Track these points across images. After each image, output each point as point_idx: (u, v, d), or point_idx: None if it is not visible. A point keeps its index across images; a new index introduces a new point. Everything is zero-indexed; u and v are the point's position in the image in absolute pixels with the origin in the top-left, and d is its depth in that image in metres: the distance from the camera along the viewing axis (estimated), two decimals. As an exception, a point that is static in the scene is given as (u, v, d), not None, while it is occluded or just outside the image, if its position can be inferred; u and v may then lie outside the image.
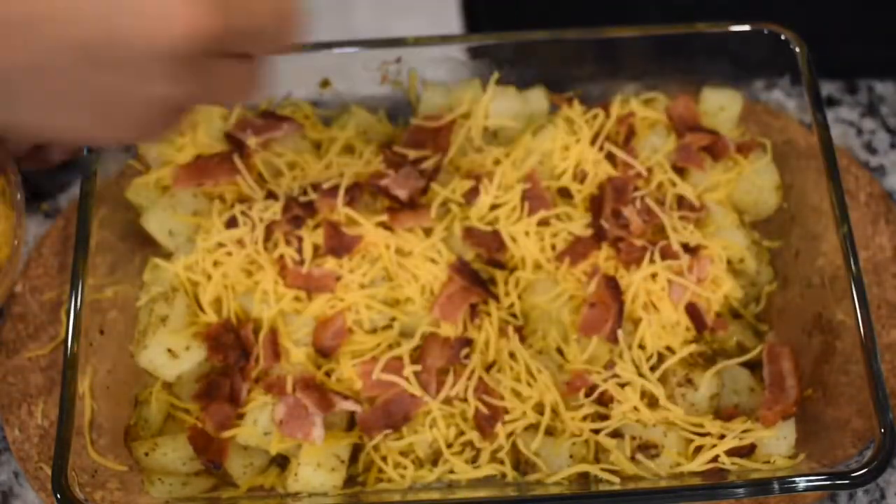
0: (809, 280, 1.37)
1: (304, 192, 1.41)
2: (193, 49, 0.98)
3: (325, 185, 1.40)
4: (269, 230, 1.38)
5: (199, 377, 1.34)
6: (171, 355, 1.32)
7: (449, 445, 1.30)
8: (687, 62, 1.48)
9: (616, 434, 1.29)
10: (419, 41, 1.47)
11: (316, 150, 1.48)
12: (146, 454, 1.29)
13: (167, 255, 1.41)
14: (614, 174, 1.42)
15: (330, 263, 1.37)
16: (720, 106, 1.48)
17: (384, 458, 1.30)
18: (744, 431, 1.26)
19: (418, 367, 1.31)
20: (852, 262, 1.28)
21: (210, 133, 1.46)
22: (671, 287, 1.35)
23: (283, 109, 1.50)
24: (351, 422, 1.33)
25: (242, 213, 1.40)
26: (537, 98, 1.49)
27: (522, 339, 1.34)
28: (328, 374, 1.34)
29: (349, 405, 1.30)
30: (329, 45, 1.47)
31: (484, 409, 1.30)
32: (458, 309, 1.34)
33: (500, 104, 1.47)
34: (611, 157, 1.43)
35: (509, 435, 1.29)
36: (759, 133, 1.48)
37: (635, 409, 1.28)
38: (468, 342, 1.33)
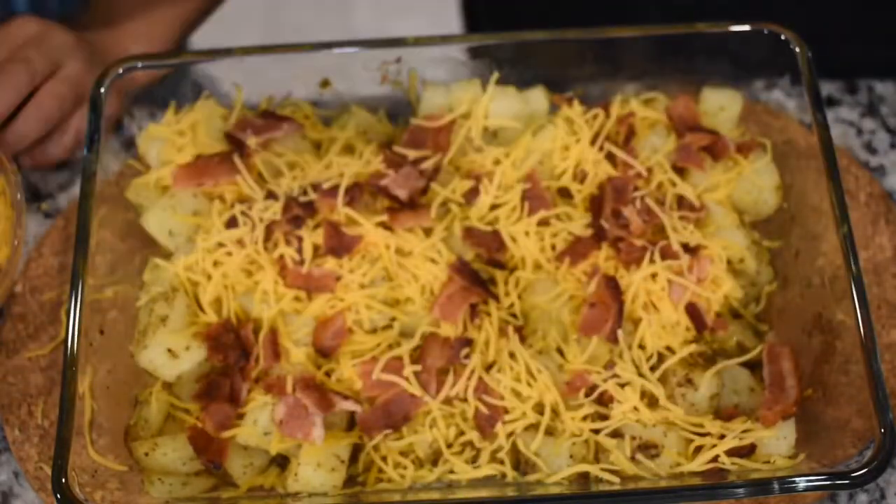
0: (809, 280, 1.37)
1: (304, 192, 1.41)
2: None
3: (325, 185, 1.40)
4: (269, 230, 1.38)
5: (199, 377, 1.34)
6: (171, 355, 1.32)
7: (449, 445, 1.30)
8: (687, 62, 1.48)
9: (616, 434, 1.29)
10: (419, 41, 1.47)
11: (316, 150, 1.48)
12: (146, 454, 1.29)
13: (167, 255, 1.41)
14: (614, 174, 1.42)
15: (330, 263, 1.37)
16: (720, 106, 1.48)
17: (384, 458, 1.30)
18: (744, 431, 1.26)
19: (418, 367, 1.31)
20: (852, 262, 1.28)
21: (210, 133, 1.46)
22: (671, 287, 1.35)
23: (283, 109, 1.50)
24: (351, 422, 1.33)
25: (242, 213, 1.40)
26: (537, 98, 1.49)
27: (522, 339, 1.34)
28: (328, 374, 1.34)
29: (349, 405, 1.30)
30: (329, 45, 1.47)
31: (484, 409, 1.30)
32: (458, 309, 1.34)
33: (500, 104, 1.47)
34: (611, 157, 1.43)
35: (509, 435, 1.29)
36: (759, 133, 1.48)
37: (635, 409, 1.28)
38: (468, 342, 1.33)
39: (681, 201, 1.41)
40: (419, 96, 1.50)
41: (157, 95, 1.49)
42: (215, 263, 1.37)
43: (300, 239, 1.38)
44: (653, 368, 1.32)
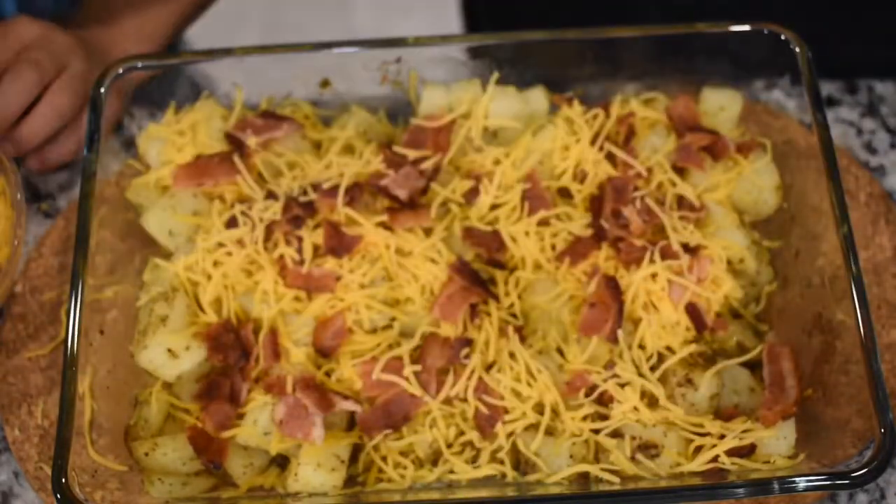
0: (809, 280, 1.37)
1: (304, 192, 1.41)
2: None
3: (325, 185, 1.40)
4: (269, 230, 1.38)
5: (199, 377, 1.34)
6: (171, 355, 1.32)
7: (449, 445, 1.30)
8: (687, 62, 1.48)
9: (616, 434, 1.29)
10: (419, 41, 1.47)
11: (316, 150, 1.48)
12: (146, 454, 1.29)
13: (167, 255, 1.41)
14: (614, 174, 1.42)
15: (330, 263, 1.37)
16: (720, 106, 1.48)
17: (384, 458, 1.30)
18: (744, 431, 1.26)
19: (418, 367, 1.31)
20: (852, 262, 1.28)
21: (210, 133, 1.46)
22: (671, 287, 1.35)
23: (283, 109, 1.50)
24: (351, 422, 1.33)
25: (242, 213, 1.40)
26: (537, 98, 1.49)
27: (522, 339, 1.34)
28: (328, 374, 1.34)
29: (349, 405, 1.30)
30: (329, 45, 1.47)
31: (484, 409, 1.30)
32: (458, 309, 1.34)
33: (500, 104, 1.47)
34: (611, 157, 1.43)
35: (509, 435, 1.29)
36: (759, 133, 1.48)
37: (635, 409, 1.28)
38: (468, 342, 1.33)
39: (681, 201, 1.41)
40: (419, 96, 1.50)
41: (157, 95, 1.49)
42: (215, 263, 1.37)
43: (300, 239, 1.38)
44: (653, 368, 1.32)
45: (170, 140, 1.45)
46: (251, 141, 1.44)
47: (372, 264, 1.37)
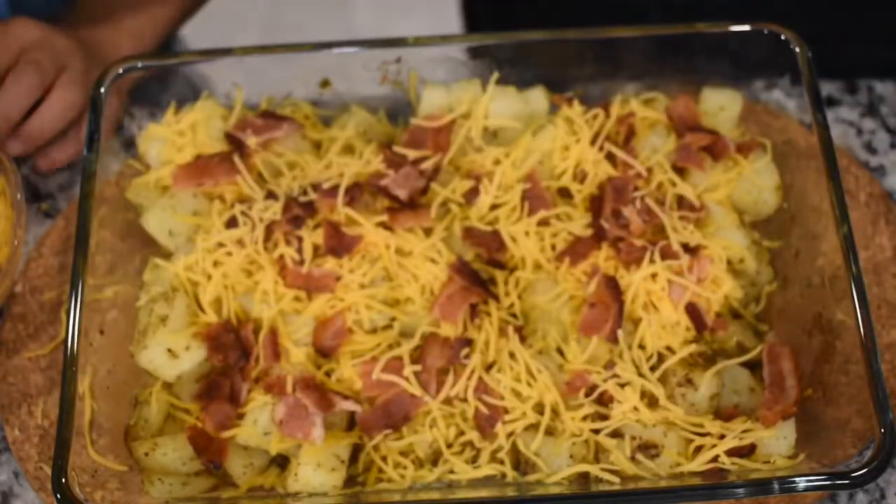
0: (809, 280, 1.37)
1: (304, 192, 1.41)
2: None
3: (325, 185, 1.40)
4: (269, 230, 1.38)
5: (199, 377, 1.34)
6: (171, 355, 1.32)
7: (449, 445, 1.30)
8: (687, 62, 1.48)
9: (616, 434, 1.29)
10: (419, 41, 1.47)
11: (316, 150, 1.48)
12: (146, 454, 1.29)
13: (167, 255, 1.41)
14: (614, 174, 1.42)
15: (330, 263, 1.37)
16: (720, 106, 1.48)
17: (384, 458, 1.30)
18: (744, 431, 1.26)
19: (418, 367, 1.31)
20: (852, 262, 1.28)
21: (210, 133, 1.46)
22: (671, 287, 1.35)
23: (283, 109, 1.50)
24: (351, 422, 1.33)
25: (242, 213, 1.40)
26: (537, 98, 1.49)
27: (522, 339, 1.34)
28: (328, 374, 1.34)
29: (349, 405, 1.30)
30: (329, 45, 1.47)
31: (484, 409, 1.30)
32: (458, 309, 1.34)
33: (500, 104, 1.47)
34: (611, 157, 1.43)
35: (509, 435, 1.29)
36: (759, 133, 1.48)
37: (635, 409, 1.28)
38: (468, 342, 1.33)
39: (681, 201, 1.41)
40: (419, 96, 1.50)
41: (157, 95, 1.50)
42: (215, 263, 1.37)
43: (300, 239, 1.38)
44: (653, 368, 1.32)
45: (170, 140, 1.45)
46: (251, 141, 1.44)
47: (372, 264, 1.37)
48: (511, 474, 1.29)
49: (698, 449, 1.27)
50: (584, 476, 1.27)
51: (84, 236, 1.33)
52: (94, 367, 1.29)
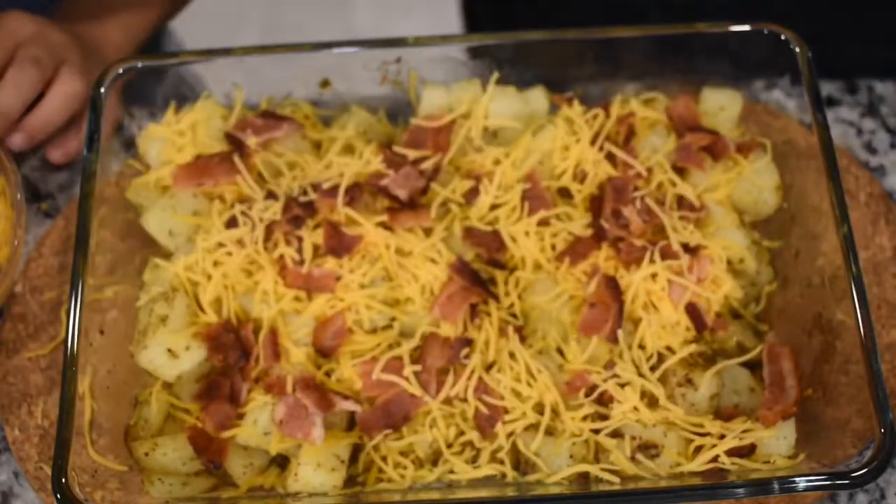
0: (809, 280, 1.37)
1: (304, 192, 1.41)
2: None
3: (325, 185, 1.40)
4: (269, 230, 1.38)
5: (199, 377, 1.34)
6: (171, 355, 1.32)
7: (449, 445, 1.30)
8: (687, 62, 1.48)
9: (616, 434, 1.29)
10: (419, 41, 1.47)
11: (316, 150, 1.48)
12: (146, 454, 1.29)
13: (167, 255, 1.41)
14: (614, 174, 1.42)
15: (330, 263, 1.37)
16: (720, 106, 1.48)
17: (384, 458, 1.30)
18: (744, 431, 1.26)
19: (418, 367, 1.31)
20: (852, 262, 1.28)
21: (210, 133, 1.46)
22: (671, 287, 1.35)
23: (283, 109, 1.50)
24: (351, 422, 1.33)
25: (242, 213, 1.40)
26: (537, 98, 1.49)
27: (522, 339, 1.34)
28: (328, 374, 1.34)
29: (349, 405, 1.30)
30: (329, 45, 1.47)
31: (484, 409, 1.30)
32: (458, 309, 1.34)
33: (500, 104, 1.47)
34: (611, 157, 1.43)
35: (509, 435, 1.29)
36: (759, 133, 1.48)
37: (635, 409, 1.28)
38: (468, 342, 1.33)
39: (681, 201, 1.41)
40: (419, 96, 1.50)
41: (157, 95, 1.49)
42: (215, 263, 1.37)
43: (300, 239, 1.38)
44: (653, 368, 1.32)
45: (170, 140, 1.45)
46: (251, 141, 1.44)
47: (372, 264, 1.37)
48: (511, 474, 1.29)
49: (698, 449, 1.27)
50: (584, 476, 1.27)
51: (84, 236, 1.33)
52: (94, 367, 1.29)
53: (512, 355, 1.32)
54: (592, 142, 1.44)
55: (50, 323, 1.46)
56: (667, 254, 1.36)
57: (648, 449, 1.27)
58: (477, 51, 1.49)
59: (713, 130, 1.45)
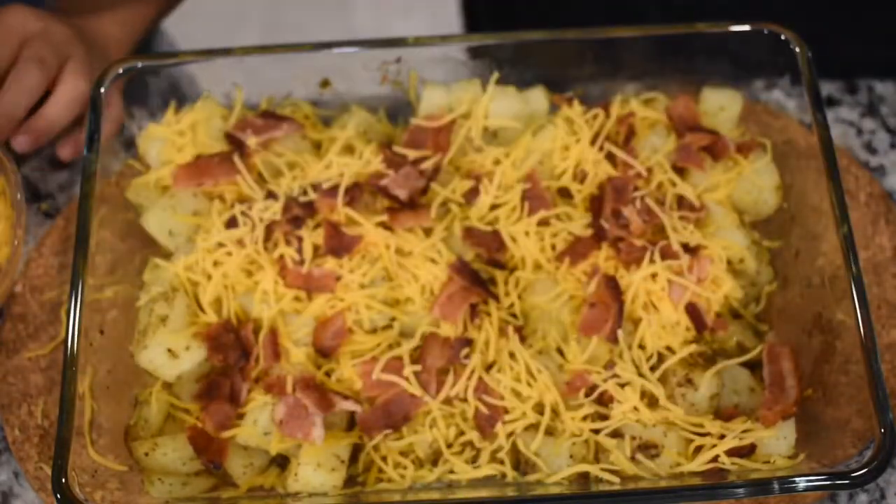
0: (809, 280, 1.37)
1: (304, 192, 1.41)
2: None
3: (325, 185, 1.40)
4: (269, 230, 1.38)
5: (199, 377, 1.34)
6: (171, 355, 1.32)
7: (449, 445, 1.30)
8: (687, 62, 1.48)
9: (616, 434, 1.29)
10: (419, 41, 1.47)
11: (316, 150, 1.48)
12: (146, 454, 1.29)
13: (167, 255, 1.41)
14: (614, 174, 1.42)
15: (330, 263, 1.37)
16: (720, 106, 1.48)
17: (384, 458, 1.30)
18: (744, 431, 1.26)
19: (418, 367, 1.31)
20: (852, 262, 1.28)
21: (210, 133, 1.46)
22: (671, 287, 1.35)
23: (283, 109, 1.50)
24: (351, 422, 1.33)
25: (242, 213, 1.40)
26: (537, 98, 1.49)
27: (522, 339, 1.34)
28: (328, 374, 1.34)
29: (349, 405, 1.30)
30: (329, 45, 1.47)
31: (484, 409, 1.30)
32: (458, 309, 1.34)
33: (500, 104, 1.47)
34: (611, 157, 1.43)
35: (509, 435, 1.29)
36: (759, 133, 1.48)
37: (635, 409, 1.28)
38: (468, 342, 1.33)
39: (681, 201, 1.41)
40: (419, 96, 1.50)
41: (156, 95, 1.49)
42: (215, 263, 1.37)
43: (300, 239, 1.38)
44: (653, 368, 1.32)
45: (170, 140, 1.45)
46: (251, 141, 1.44)
47: (372, 264, 1.37)
48: (511, 474, 1.29)
49: (698, 449, 1.27)
50: (584, 476, 1.27)
51: (84, 236, 1.33)
52: (94, 367, 1.29)
53: (512, 355, 1.32)
54: (592, 142, 1.44)
55: (50, 323, 1.46)
56: (667, 254, 1.36)
57: (648, 449, 1.27)
58: (477, 51, 1.49)
59: (713, 130, 1.45)
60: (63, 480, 1.20)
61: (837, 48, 1.58)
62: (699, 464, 1.25)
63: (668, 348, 1.34)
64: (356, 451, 1.31)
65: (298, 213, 1.39)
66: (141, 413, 1.33)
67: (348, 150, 1.47)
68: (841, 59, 1.60)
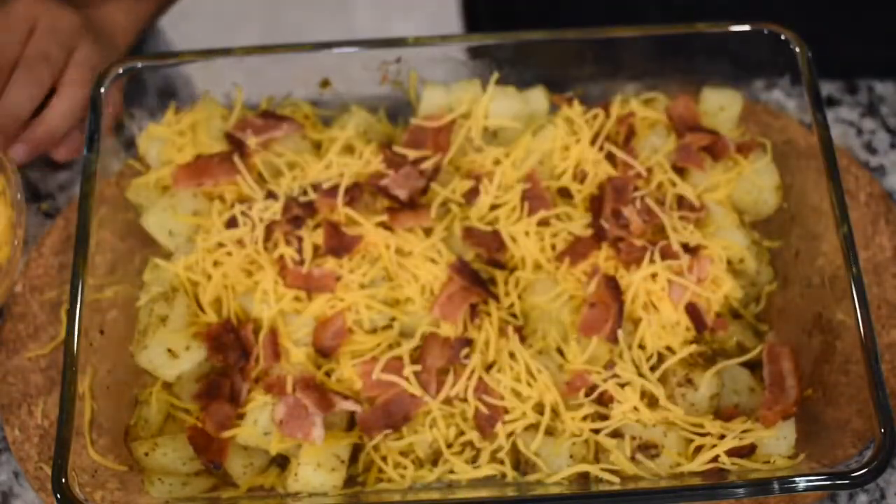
0: (809, 280, 1.37)
1: (304, 192, 1.41)
2: None
3: (325, 185, 1.40)
4: (269, 230, 1.38)
5: (199, 377, 1.34)
6: (171, 355, 1.32)
7: (449, 445, 1.30)
8: (687, 62, 1.48)
9: (616, 434, 1.29)
10: (419, 41, 1.47)
11: (316, 150, 1.48)
12: (146, 454, 1.29)
13: (167, 255, 1.41)
14: (614, 174, 1.42)
15: (330, 263, 1.37)
16: (720, 106, 1.48)
17: (384, 458, 1.30)
18: (744, 431, 1.26)
19: (418, 367, 1.31)
20: (852, 262, 1.28)
21: (210, 133, 1.46)
22: (671, 287, 1.35)
23: (283, 109, 1.50)
24: (351, 422, 1.33)
25: (242, 213, 1.40)
26: (537, 98, 1.49)
27: (522, 339, 1.34)
28: (328, 374, 1.34)
29: (349, 405, 1.30)
30: (329, 45, 1.47)
31: (484, 409, 1.30)
32: (458, 309, 1.34)
33: (500, 104, 1.47)
34: (611, 157, 1.43)
35: (509, 435, 1.29)
36: (759, 133, 1.48)
37: (635, 409, 1.28)
38: (468, 342, 1.33)
39: (681, 201, 1.41)
40: (419, 96, 1.50)
41: (156, 95, 1.49)
42: (215, 263, 1.37)
43: (300, 239, 1.38)
44: (653, 368, 1.32)
45: (170, 140, 1.45)
46: (251, 141, 1.44)
47: (372, 264, 1.37)
48: (511, 474, 1.29)
49: (698, 449, 1.27)
50: (584, 476, 1.27)
51: (84, 236, 1.33)
52: (94, 367, 1.29)
53: (512, 355, 1.32)
54: (592, 142, 1.44)
55: (50, 323, 1.46)
56: (667, 254, 1.36)
57: (648, 449, 1.27)
58: (477, 51, 1.49)
59: (713, 130, 1.45)
60: (63, 480, 1.20)
61: (837, 48, 1.58)
62: (699, 464, 1.25)
63: (668, 348, 1.34)
64: (356, 451, 1.31)
65: (298, 213, 1.39)
66: (141, 413, 1.33)
67: (348, 150, 1.47)
68: (841, 59, 1.60)
